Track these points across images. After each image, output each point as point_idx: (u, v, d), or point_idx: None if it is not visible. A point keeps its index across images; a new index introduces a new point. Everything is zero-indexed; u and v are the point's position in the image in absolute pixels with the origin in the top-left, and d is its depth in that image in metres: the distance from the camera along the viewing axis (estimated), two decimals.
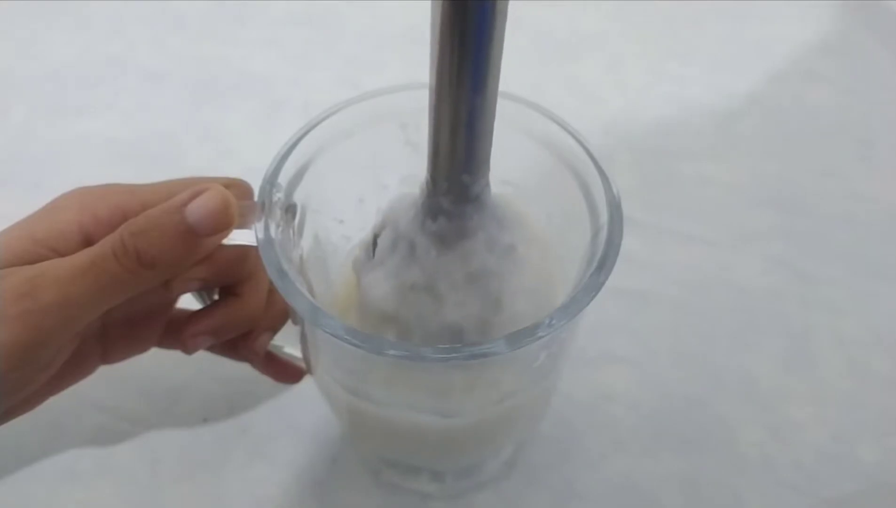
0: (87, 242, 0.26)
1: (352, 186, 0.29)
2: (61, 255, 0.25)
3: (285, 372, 0.33)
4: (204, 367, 0.33)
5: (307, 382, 0.32)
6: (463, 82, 0.20)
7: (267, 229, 0.23)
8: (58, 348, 0.25)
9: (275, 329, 0.31)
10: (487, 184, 0.23)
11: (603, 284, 0.22)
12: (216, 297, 0.30)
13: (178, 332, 0.29)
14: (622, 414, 0.35)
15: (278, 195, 0.24)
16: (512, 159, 0.27)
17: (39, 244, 0.25)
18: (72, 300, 0.23)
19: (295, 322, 0.27)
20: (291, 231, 0.25)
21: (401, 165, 0.26)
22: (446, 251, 0.23)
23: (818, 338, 0.38)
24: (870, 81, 0.52)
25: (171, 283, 0.26)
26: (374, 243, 0.25)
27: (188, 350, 0.29)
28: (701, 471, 0.34)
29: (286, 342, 0.32)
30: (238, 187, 0.28)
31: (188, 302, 0.30)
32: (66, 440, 0.34)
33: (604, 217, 0.24)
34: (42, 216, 0.26)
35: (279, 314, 0.31)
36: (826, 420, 0.35)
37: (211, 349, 0.31)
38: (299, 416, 0.35)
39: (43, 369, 0.25)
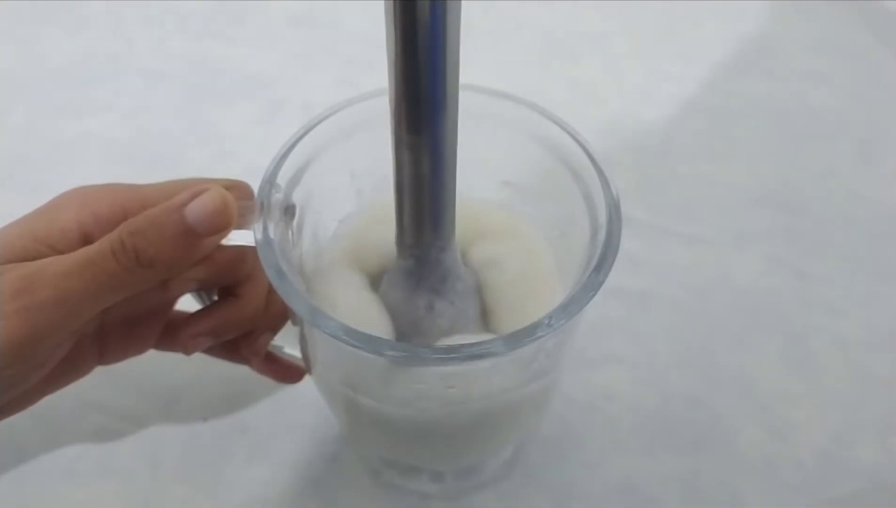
0: (87, 240, 0.26)
1: (351, 186, 0.29)
2: (61, 253, 0.25)
3: (285, 372, 0.33)
4: (204, 367, 0.33)
5: (307, 382, 0.32)
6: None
7: (266, 229, 0.23)
8: (54, 345, 0.25)
9: (274, 330, 0.31)
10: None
11: (602, 284, 0.22)
12: (216, 298, 0.30)
13: (176, 334, 0.29)
14: (622, 414, 0.35)
15: (277, 196, 0.24)
16: (512, 160, 0.28)
17: (39, 242, 0.25)
18: (69, 297, 0.23)
19: (294, 323, 0.27)
20: (290, 232, 0.25)
21: None
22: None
23: (818, 338, 0.38)
24: (870, 81, 0.52)
25: (170, 283, 0.26)
26: None
27: (187, 351, 0.29)
28: (701, 471, 0.34)
29: (286, 343, 0.32)
30: (239, 189, 0.28)
31: (188, 304, 0.30)
32: (66, 440, 0.34)
33: (603, 217, 0.24)
34: (42, 214, 0.26)
35: (279, 315, 0.31)
36: (826, 421, 0.35)
37: (210, 351, 0.31)
38: (299, 416, 0.35)
39: (38, 366, 0.25)
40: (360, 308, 0.26)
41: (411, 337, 0.25)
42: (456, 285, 0.25)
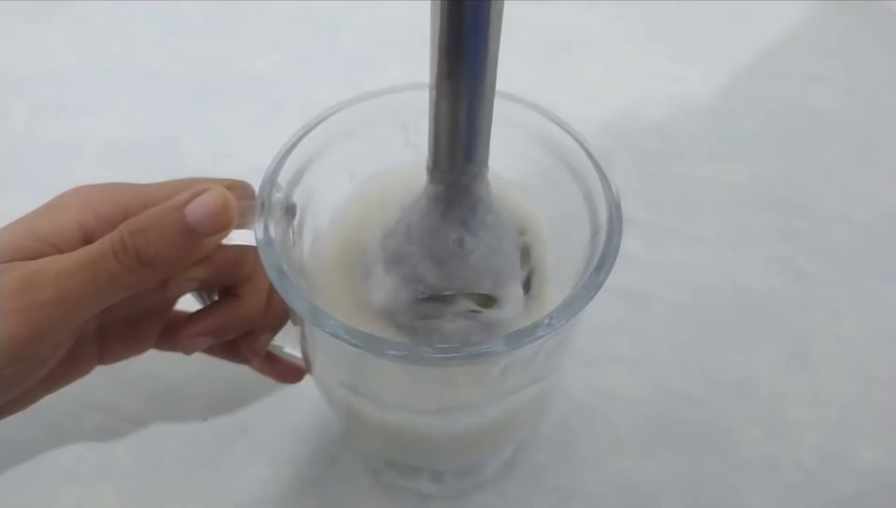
0: (88, 239, 0.26)
1: (351, 186, 0.29)
2: (61, 252, 0.25)
3: (286, 372, 0.33)
4: (204, 367, 0.33)
5: (307, 382, 0.32)
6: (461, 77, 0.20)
7: (266, 229, 0.23)
8: (54, 344, 0.25)
9: (275, 330, 0.31)
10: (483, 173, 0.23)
11: (602, 283, 0.22)
12: (216, 298, 0.30)
13: (176, 333, 0.29)
14: (622, 414, 0.35)
15: (278, 195, 0.24)
16: (512, 159, 0.28)
17: (40, 241, 0.25)
18: (69, 296, 0.23)
19: (295, 323, 0.27)
20: (291, 231, 0.25)
21: (401, 165, 0.26)
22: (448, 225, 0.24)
23: (818, 338, 0.38)
24: (870, 81, 0.52)
25: (170, 283, 0.26)
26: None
27: (187, 351, 0.29)
28: (701, 471, 0.34)
29: (286, 342, 0.32)
30: (240, 189, 0.28)
31: (188, 304, 0.30)
32: (66, 440, 0.34)
33: (603, 217, 0.24)
34: (43, 213, 0.26)
35: (279, 315, 0.31)
36: (826, 421, 0.35)
37: (210, 351, 0.31)
38: (299, 416, 0.35)
39: (38, 365, 0.25)
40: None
41: (440, 283, 0.24)
42: (486, 218, 0.24)
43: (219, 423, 0.35)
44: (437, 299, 0.24)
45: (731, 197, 0.45)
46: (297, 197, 0.25)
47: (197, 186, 0.24)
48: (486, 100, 0.21)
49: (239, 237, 0.25)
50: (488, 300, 0.24)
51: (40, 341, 0.24)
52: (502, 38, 0.20)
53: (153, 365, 0.32)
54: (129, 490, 0.33)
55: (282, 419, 0.35)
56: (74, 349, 0.27)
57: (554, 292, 0.27)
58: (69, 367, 0.28)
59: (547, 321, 0.21)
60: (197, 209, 0.24)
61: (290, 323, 0.31)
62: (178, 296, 0.30)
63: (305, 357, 0.29)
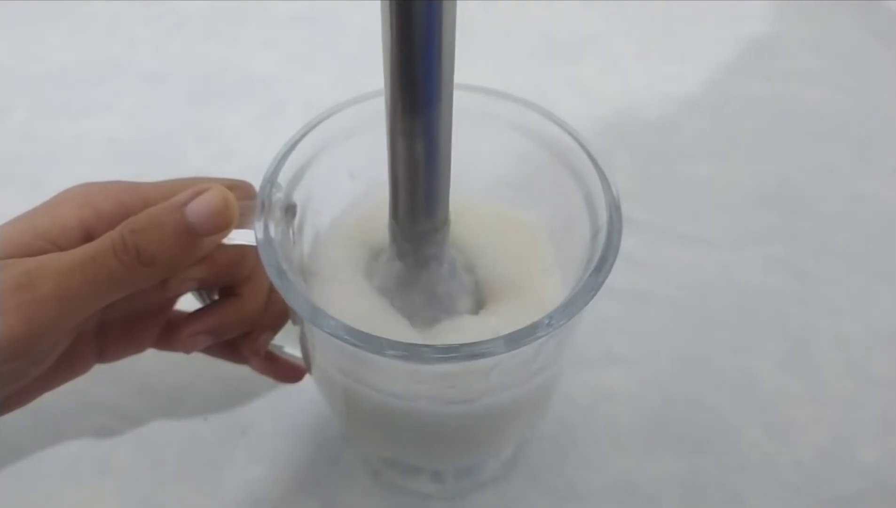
0: (88, 237, 0.26)
1: (351, 186, 0.29)
2: (62, 249, 0.25)
3: (286, 372, 0.33)
4: (204, 367, 0.33)
5: (307, 382, 0.32)
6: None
7: (266, 228, 0.23)
8: (53, 341, 0.25)
9: (275, 329, 0.31)
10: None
11: (602, 284, 0.22)
12: (216, 297, 0.30)
13: (176, 333, 0.29)
14: (622, 414, 0.35)
15: (278, 195, 0.24)
16: (511, 160, 0.28)
17: (40, 238, 0.25)
18: (69, 294, 0.23)
19: (295, 322, 0.27)
20: (291, 231, 0.25)
21: None
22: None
23: (818, 338, 0.38)
24: (870, 81, 0.52)
25: (169, 282, 0.26)
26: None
27: (186, 350, 0.29)
28: (701, 471, 0.34)
29: (286, 342, 0.32)
30: (241, 189, 0.28)
31: (189, 303, 0.30)
32: (66, 439, 0.34)
33: (603, 218, 0.24)
34: (44, 210, 0.26)
35: (279, 314, 0.31)
36: (826, 421, 0.35)
37: (209, 350, 0.31)
38: (299, 416, 0.35)
39: (37, 363, 0.25)
40: (372, 317, 0.26)
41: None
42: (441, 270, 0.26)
43: (219, 423, 0.35)
44: None
45: (731, 197, 0.45)
46: (297, 197, 0.25)
47: (197, 186, 0.24)
48: (443, 160, 0.22)
49: (239, 237, 0.25)
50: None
51: (39, 338, 0.24)
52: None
53: (153, 365, 0.32)
54: (129, 489, 0.33)
55: (282, 419, 0.35)
56: (73, 346, 0.27)
57: (555, 292, 0.27)
58: (68, 365, 0.28)
59: (547, 321, 0.21)
60: (197, 209, 0.24)
61: (290, 323, 0.31)
62: (178, 295, 0.30)
63: (305, 357, 0.29)
